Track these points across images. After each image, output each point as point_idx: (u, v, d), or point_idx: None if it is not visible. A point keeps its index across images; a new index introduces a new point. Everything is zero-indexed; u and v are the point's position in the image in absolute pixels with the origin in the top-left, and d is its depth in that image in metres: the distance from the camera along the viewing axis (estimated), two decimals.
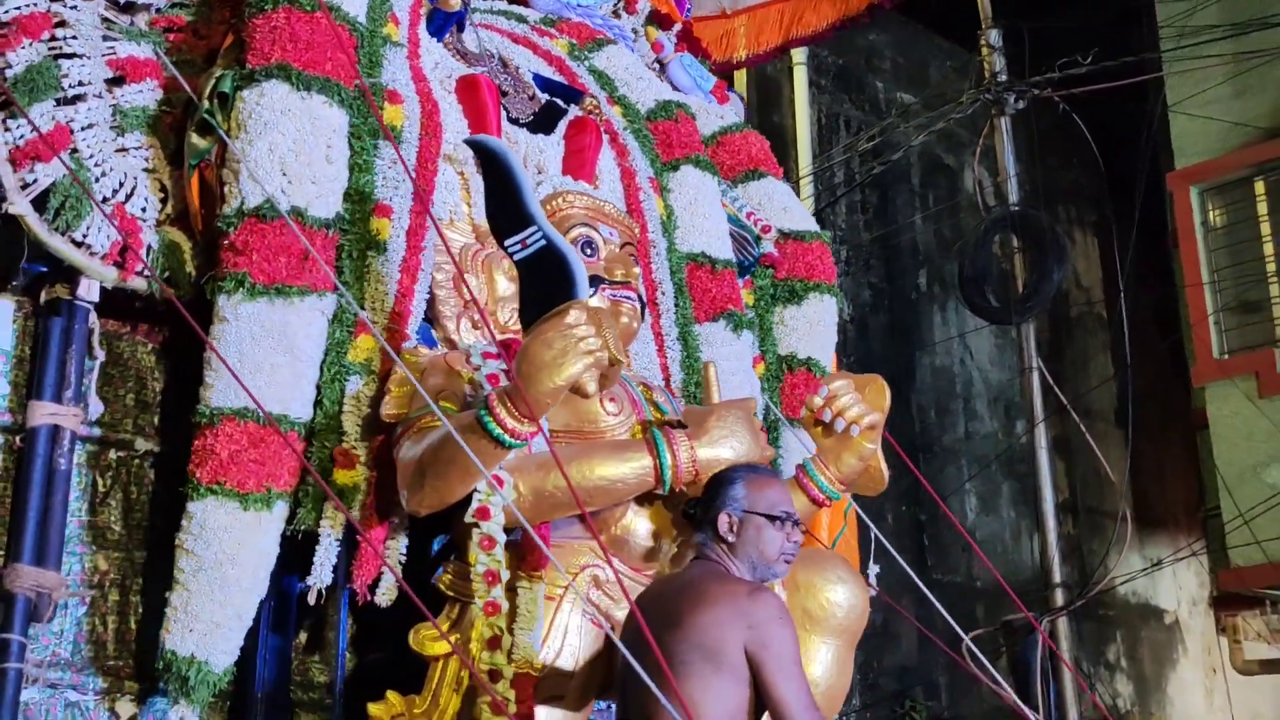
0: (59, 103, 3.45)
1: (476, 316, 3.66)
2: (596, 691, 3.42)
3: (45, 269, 3.47)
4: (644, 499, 3.44)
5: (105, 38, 3.65)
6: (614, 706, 3.87)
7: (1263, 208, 9.58)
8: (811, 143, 9.74)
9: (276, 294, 3.30)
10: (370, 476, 3.36)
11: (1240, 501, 9.09)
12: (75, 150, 3.43)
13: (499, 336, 3.65)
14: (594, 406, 3.52)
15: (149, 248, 3.49)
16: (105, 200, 3.43)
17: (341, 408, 3.39)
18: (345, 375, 3.41)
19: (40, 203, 3.34)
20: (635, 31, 5.15)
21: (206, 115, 3.47)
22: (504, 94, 4.01)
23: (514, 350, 3.44)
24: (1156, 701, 10.64)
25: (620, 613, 3.36)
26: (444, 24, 4.08)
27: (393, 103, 3.67)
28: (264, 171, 3.35)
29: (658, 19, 5.25)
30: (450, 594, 3.37)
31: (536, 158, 3.91)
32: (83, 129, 3.47)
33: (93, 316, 3.54)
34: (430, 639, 3.32)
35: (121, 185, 3.52)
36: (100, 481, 3.62)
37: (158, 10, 3.89)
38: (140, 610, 3.59)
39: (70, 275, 3.47)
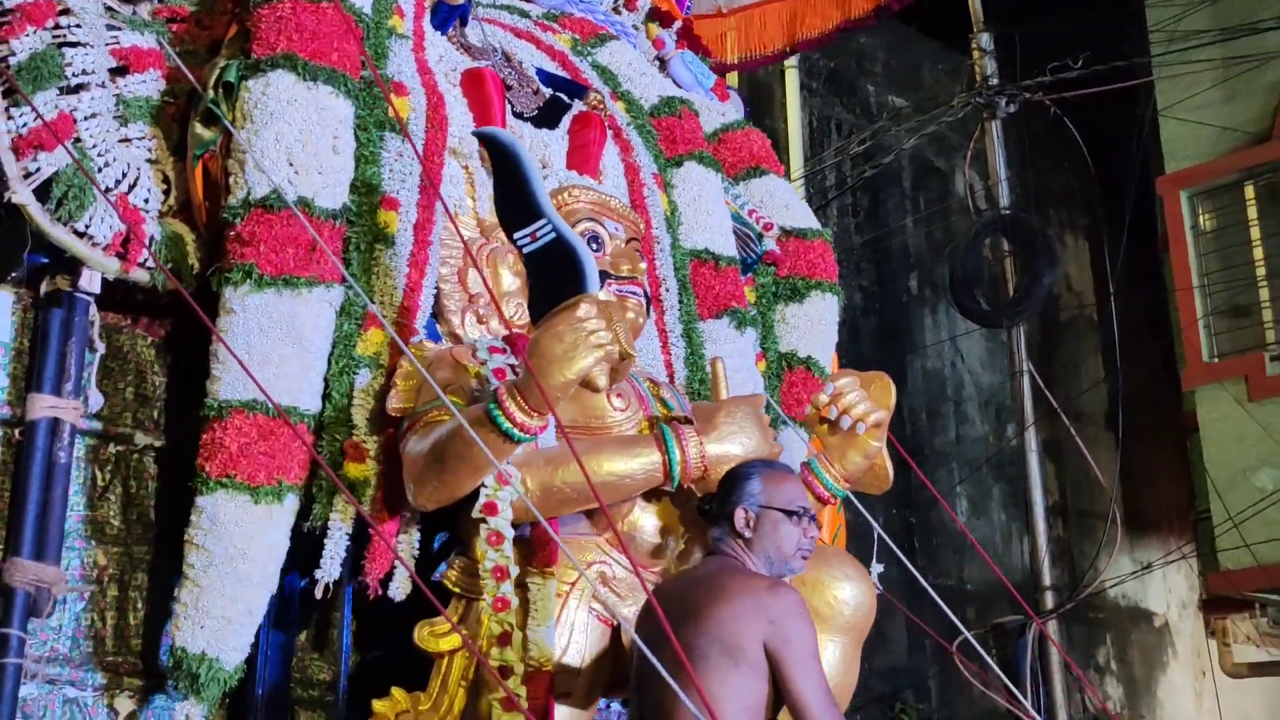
0: (62, 91, 3.43)
1: (482, 311, 3.63)
2: (603, 690, 3.39)
3: (46, 260, 3.44)
4: (651, 495, 3.42)
5: (109, 27, 3.63)
6: (613, 705, 3.86)
7: (1252, 212, 9.60)
8: (803, 146, 9.75)
9: (284, 285, 3.27)
10: (380, 470, 3.33)
11: (1230, 505, 9.12)
12: (78, 140, 3.40)
13: (504, 332, 3.63)
14: (601, 402, 3.49)
15: (151, 239, 3.46)
16: (108, 191, 3.40)
17: (351, 400, 3.36)
18: (354, 368, 3.38)
19: (42, 192, 3.31)
20: (636, 28, 5.13)
21: (211, 105, 3.44)
22: (508, 88, 3.99)
23: (520, 345, 3.41)
24: (1146, 704, 10.65)
25: (627, 609, 3.33)
26: (448, 17, 4.06)
27: (398, 95, 3.65)
28: (270, 162, 3.32)
29: (658, 16, 5.23)
30: (457, 590, 3.34)
31: (541, 152, 3.89)
32: (86, 118, 3.44)
33: (93, 309, 3.51)
34: (436, 635, 3.30)
35: (124, 176, 3.49)
36: (99, 476, 3.58)
37: (161, 0, 3.86)
38: (140, 606, 3.56)
39: (71, 267, 3.44)
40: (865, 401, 3.63)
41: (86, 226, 3.36)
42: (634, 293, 3.63)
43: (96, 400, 3.54)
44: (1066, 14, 9.34)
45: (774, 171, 4.75)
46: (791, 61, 9.42)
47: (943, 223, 10.66)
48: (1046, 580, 9.02)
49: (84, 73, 3.49)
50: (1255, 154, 9.44)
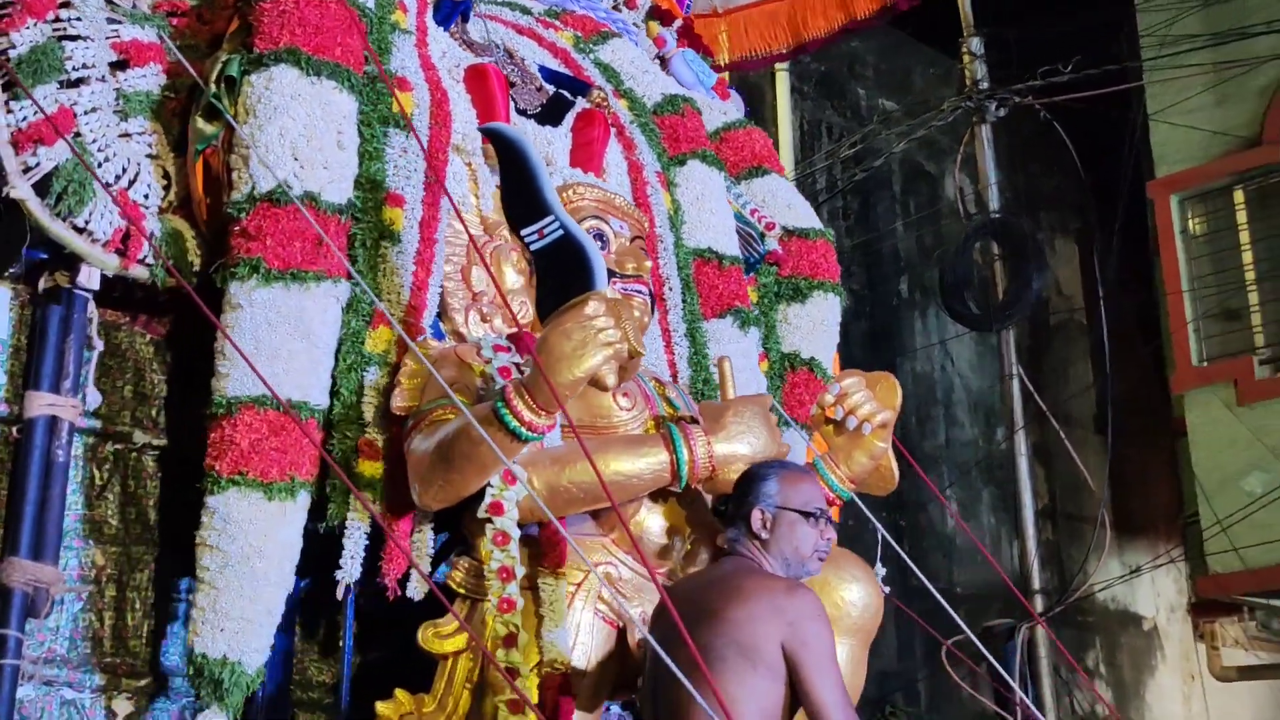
0: (62, 85, 3.37)
1: (485, 309, 3.60)
2: (609, 692, 3.36)
3: (45, 256, 3.39)
4: (657, 495, 3.39)
5: (109, 20, 3.58)
6: (613, 708, 3.82)
7: (1242, 216, 9.63)
8: (794, 149, 9.75)
9: (292, 279, 3.23)
10: (392, 469, 3.29)
11: (1219, 509, 9.14)
12: (78, 134, 3.35)
13: (509, 330, 3.59)
14: (606, 401, 3.46)
15: (151, 235, 3.42)
16: (108, 186, 3.35)
17: (361, 398, 3.32)
18: (363, 365, 3.35)
19: (41, 188, 3.26)
20: (636, 26, 5.10)
21: (214, 100, 3.40)
22: (511, 85, 3.96)
23: (525, 343, 3.38)
24: (1135, 708, 10.67)
25: (633, 611, 3.30)
26: (450, 13, 4.02)
27: (402, 90, 3.61)
28: (275, 156, 3.29)
29: (658, 14, 5.20)
30: (461, 591, 3.31)
31: (544, 150, 3.85)
32: (86, 113, 3.40)
33: (92, 305, 3.46)
34: (440, 636, 3.26)
35: (125, 171, 3.44)
36: (97, 475, 3.54)
37: None
38: (138, 606, 3.52)
39: (70, 263, 3.39)
40: (871, 402, 3.61)
41: (86, 222, 3.31)
42: (639, 291, 3.61)
43: (94, 398, 3.49)
44: (1057, 18, 9.37)
45: (776, 171, 4.72)
46: (782, 64, 9.42)
47: (933, 226, 10.68)
48: (1036, 584, 9.04)
49: (84, 66, 3.44)
50: (1245, 158, 9.47)
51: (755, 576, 2.89)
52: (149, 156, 3.53)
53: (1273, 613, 10.25)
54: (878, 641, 3.45)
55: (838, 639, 3.36)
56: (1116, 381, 9.51)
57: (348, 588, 3.26)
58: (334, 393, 3.34)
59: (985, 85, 9.55)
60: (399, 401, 3.33)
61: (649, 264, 3.66)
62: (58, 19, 3.44)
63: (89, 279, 3.40)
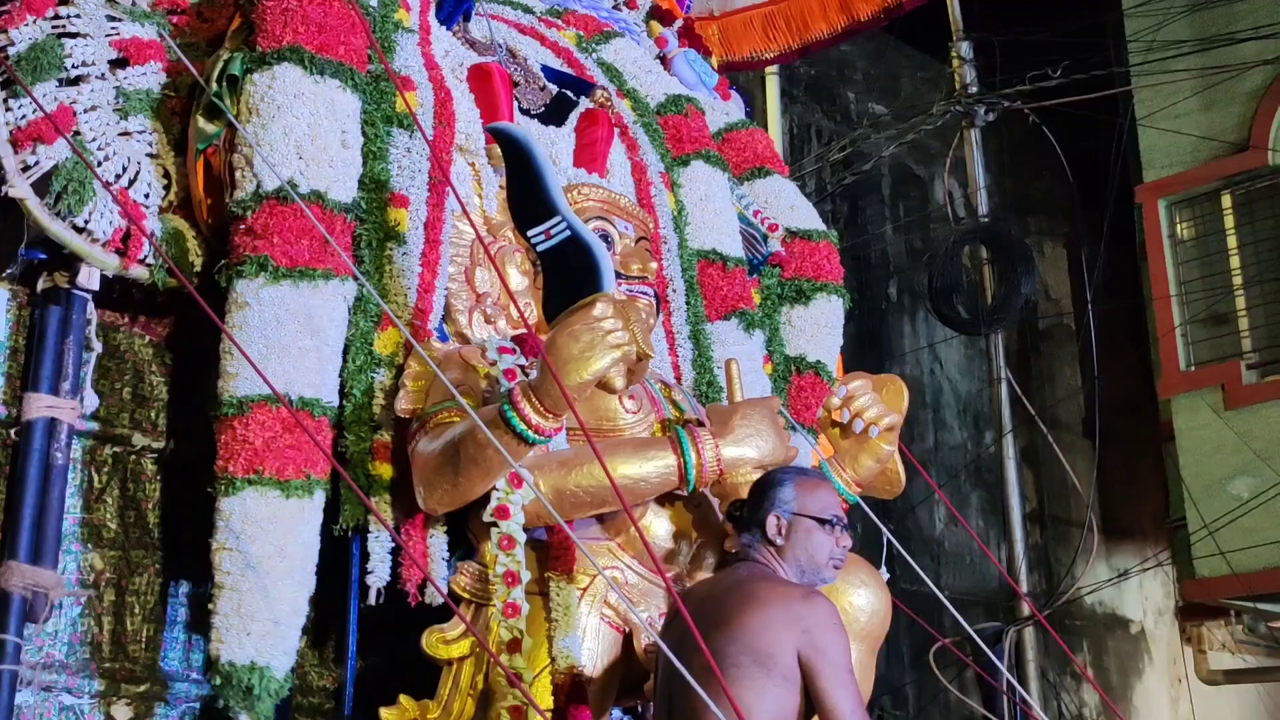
0: (61, 83, 3.35)
1: (489, 310, 3.57)
2: (614, 697, 3.33)
3: (44, 256, 3.35)
4: (663, 499, 3.37)
5: (109, 18, 3.54)
6: (615, 712, 3.79)
7: (1230, 221, 9.64)
8: (783, 152, 9.71)
9: (300, 277, 3.20)
10: (403, 472, 3.26)
11: (1206, 513, 9.15)
12: (78, 133, 3.33)
13: (512, 332, 3.56)
14: (612, 404, 3.44)
15: (152, 235, 3.38)
16: (108, 185, 3.31)
17: (372, 399, 3.29)
18: (373, 366, 3.32)
19: (41, 186, 3.23)
20: (638, 26, 5.07)
21: (215, 99, 3.37)
22: (515, 84, 3.93)
23: (530, 345, 3.35)
24: (1122, 711, 10.67)
25: (640, 616, 3.27)
26: (453, 11, 3.99)
27: (406, 89, 3.58)
28: (280, 155, 3.26)
29: (659, 14, 5.18)
30: (466, 595, 3.27)
31: (548, 150, 3.82)
32: (86, 111, 3.37)
33: (91, 306, 3.43)
34: (445, 642, 3.23)
35: (125, 170, 3.41)
36: (96, 478, 3.51)
37: None
38: (137, 611, 3.48)
39: (69, 263, 3.35)
40: (878, 405, 3.61)
41: (86, 222, 3.27)
42: (645, 293, 3.58)
43: (92, 401, 3.45)
44: (1046, 23, 9.37)
45: (779, 172, 4.70)
46: (772, 68, 9.41)
47: (922, 230, 10.67)
48: (1024, 587, 9.04)
49: (84, 64, 3.41)
50: (1233, 163, 9.48)
51: (770, 583, 2.86)
52: (149, 155, 3.50)
53: (1259, 616, 10.27)
54: None
55: None
56: (1104, 386, 9.52)
57: (379, 591, 3.22)
58: (345, 394, 3.31)
59: (974, 90, 9.56)
60: (403, 404, 3.30)
61: (654, 266, 3.64)
62: (57, 16, 3.41)
63: (88, 279, 3.37)
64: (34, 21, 3.33)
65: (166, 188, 3.51)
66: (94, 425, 3.48)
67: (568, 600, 3.17)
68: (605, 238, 3.59)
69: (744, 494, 3.19)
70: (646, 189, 4.12)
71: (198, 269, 3.47)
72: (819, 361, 4.31)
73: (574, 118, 3.99)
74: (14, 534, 3.20)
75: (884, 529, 3.86)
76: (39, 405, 3.30)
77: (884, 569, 3.84)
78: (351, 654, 3.35)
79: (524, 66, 4.16)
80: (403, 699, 3.24)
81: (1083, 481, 9.62)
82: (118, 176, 3.38)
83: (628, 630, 3.31)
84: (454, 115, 3.65)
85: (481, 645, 3.07)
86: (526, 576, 3.15)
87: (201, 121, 3.44)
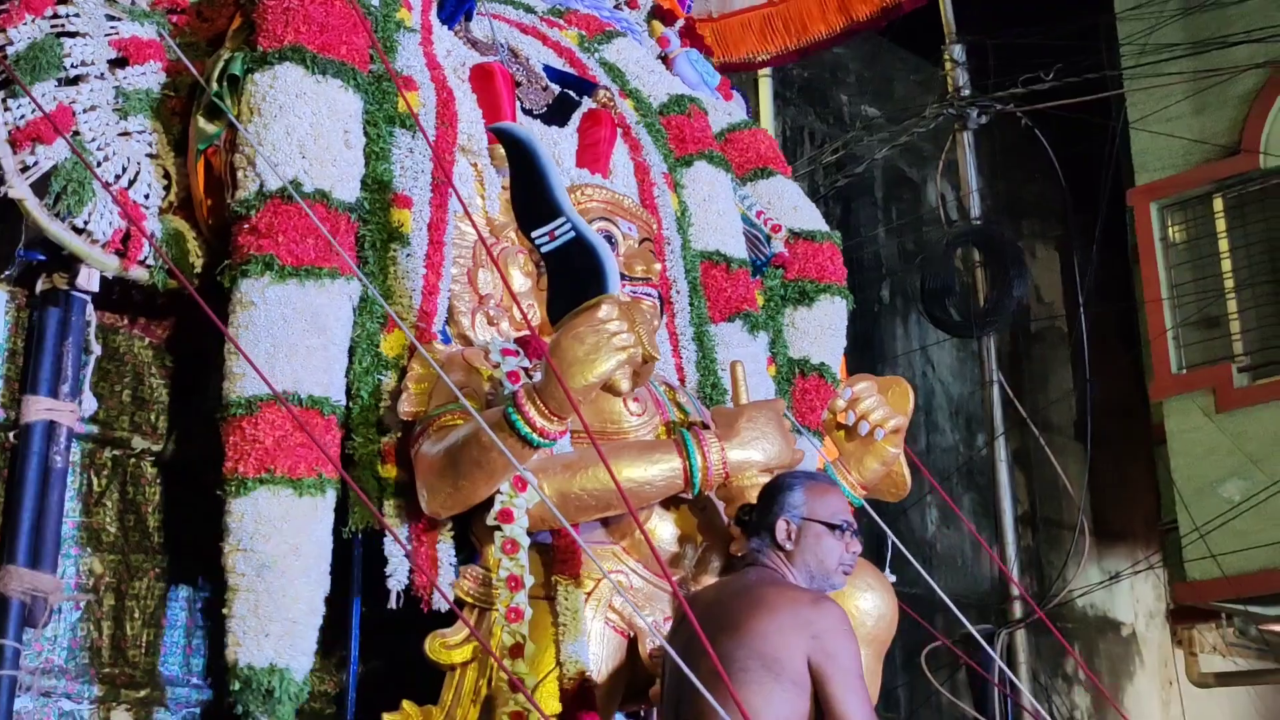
0: (60, 83, 3.32)
1: (492, 312, 3.54)
2: (619, 702, 3.30)
3: (43, 257, 3.32)
4: (668, 502, 3.35)
5: (108, 17, 3.52)
6: (618, 717, 3.77)
7: (1221, 224, 9.65)
8: None
9: (306, 276, 3.18)
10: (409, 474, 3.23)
11: (1197, 516, 9.16)
12: (77, 133, 3.30)
13: (515, 334, 3.54)
14: (617, 406, 3.41)
15: (152, 236, 3.35)
16: (108, 186, 3.28)
17: (379, 401, 3.26)
18: (380, 368, 3.29)
19: (40, 187, 3.20)
20: (640, 25, 5.05)
21: (216, 99, 3.34)
22: (517, 84, 3.90)
23: (533, 347, 3.33)
24: (1113, 714, 10.68)
25: (644, 620, 3.25)
26: (454, 11, 3.97)
27: (408, 89, 3.55)
28: (283, 155, 3.24)
29: (660, 14, 5.15)
30: (469, 599, 3.25)
31: (551, 150, 3.80)
32: (85, 111, 3.34)
33: (90, 308, 3.40)
34: (448, 647, 3.20)
35: (124, 170, 3.39)
36: (95, 481, 3.48)
37: None
38: (137, 615, 3.45)
39: (68, 264, 3.33)
40: (883, 407, 3.59)
41: (85, 222, 3.25)
42: (648, 294, 3.56)
43: (91, 404, 3.42)
44: (1038, 26, 9.39)
45: (782, 172, 4.67)
46: (765, 70, 9.40)
47: (914, 233, 10.67)
48: (1015, 589, 9.03)
49: (83, 64, 3.39)
50: (1225, 166, 9.49)
51: (779, 588, 2.84)
52: (149, 156, 3.47)
53: (1251, 619, 10.26)
54: None
55: None
56: (1096, 388, 9.52)
57: (399, 595, 3.18)
58: (352, 395, 3.28)
59: (967, 92, 9.56)
60: (406, 407, 3.27)
61: (658, 267, 3.62)
62: (56, 15, 3.39)
63: (88, 281, 3.34)
64: (33, 21, 3.30)
65: (166, 188, 3.49)
66: (93, 428, 3.46)
67: (575, 605, 3.14)
68: (609, 239, 3.56)
69: (750, 497, 3.18)
70: (650, 189, 4.10)
71: (198, 270, 3.45)
72: (823, 364, 4.29)
73: (577, 118, 3.96)
74: (13, 538, 3.18)
75: (889, 532, 3.84)
76: (38, 408, 3.27)
77: (889, 572, 3.83)
78: (354, 659, 3.33)
79: (526, 66, 4.14)
80: (405, 704, 3.22)
81: (1074, 484, 9.63)
82: (117, 177, 3.35)
83: (632, 635, 3.29)
84: (456, 115, 3.63)
85: (486, 650, 3.05)
86: (530, 581, 3.13)
87: (202, 121, 3.42)
